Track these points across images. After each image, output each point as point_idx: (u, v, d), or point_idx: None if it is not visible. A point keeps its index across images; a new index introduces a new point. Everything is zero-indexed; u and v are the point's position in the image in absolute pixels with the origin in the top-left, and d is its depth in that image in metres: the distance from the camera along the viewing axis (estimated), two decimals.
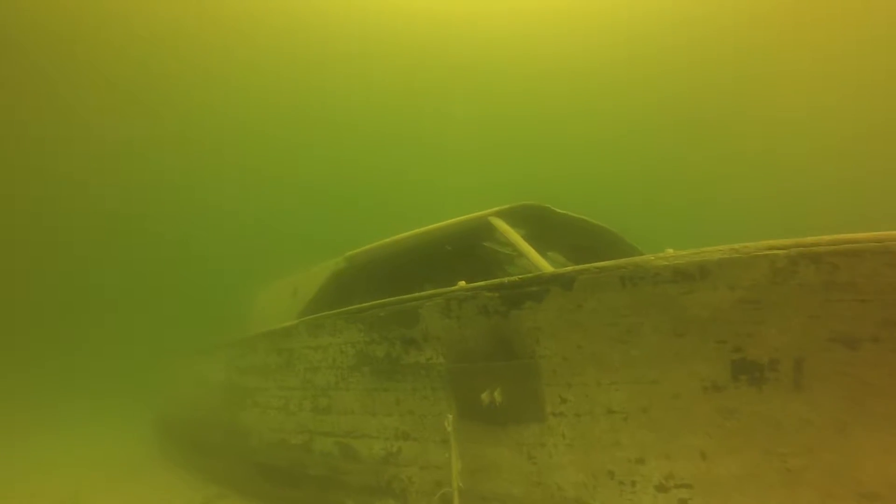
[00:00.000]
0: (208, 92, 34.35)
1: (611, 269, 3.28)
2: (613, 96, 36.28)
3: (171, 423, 9.88)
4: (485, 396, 3.91)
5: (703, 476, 2.98)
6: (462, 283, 4.27)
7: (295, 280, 7.74)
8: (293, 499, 5.79)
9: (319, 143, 37.90)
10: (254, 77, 34.90)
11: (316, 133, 37.85)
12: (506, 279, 3.83)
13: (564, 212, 5.22)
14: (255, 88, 35.34)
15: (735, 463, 2.86)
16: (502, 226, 4.69)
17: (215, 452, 7.65)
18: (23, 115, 28.80)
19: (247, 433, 6.76)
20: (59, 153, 30.91)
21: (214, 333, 9.71)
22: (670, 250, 3.18)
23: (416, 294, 4.43)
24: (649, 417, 3.20)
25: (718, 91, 34.12)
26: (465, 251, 6.92)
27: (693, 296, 3.02)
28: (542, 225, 5.41)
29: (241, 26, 32.46)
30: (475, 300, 3.97)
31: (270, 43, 33.67)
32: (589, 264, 3.42)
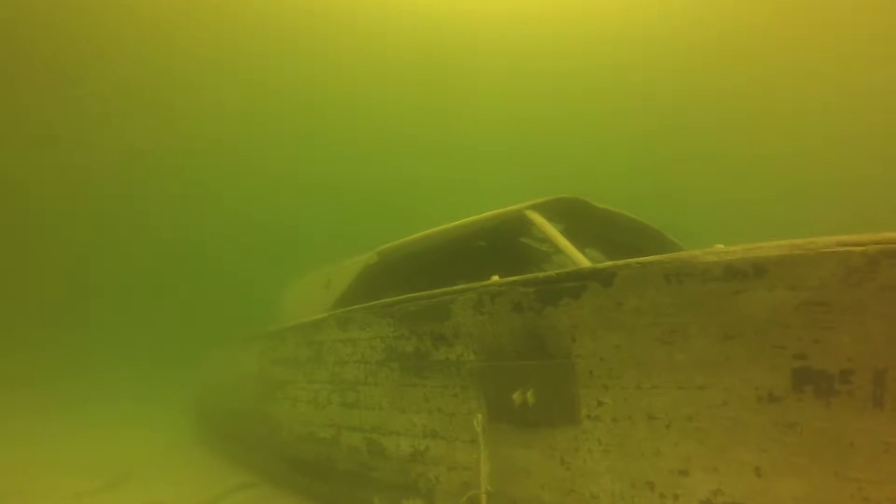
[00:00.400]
0: (235, 94, 34.79)
1: (655, 265, 3.05)
2: (635, 96, 35.25)
3: (209, 410, 10.06)
4: (516, 396, 3.73)
5: (757, 495, 2.72)
6: (495, 278, 4.10)
7: (328, 272, 7.72)
8: (321, 493, 5.75)
9: (344, 142, 38.06)
10: (278, 77, 35.21)
11: (342, 133, 38.05)
12: (541, 274, 3.64)
13: (604, 206, 4.98)
14: (281, 90, 35.66)
15: (798, 484, 2.58)
16: (538, 219, 4.49)
17: (248, 442, 7.73)
18: (48, 117, 29.46)
19: (277, 425, 6.77)
20: (97, 155, 31.71)
21: (250, 324, 9.84)
22: (720, 246, 2.93)
23: (448, 288, 4.29)
24: (695, 426, 2.96)
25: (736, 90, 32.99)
26: (500, 247, 6.74)
27: (747, 295, 2.76)
28: (579, 220, 5.18)
29: (270, 25, 32.75)
30: (509, 295, 3.80)
31: (298, 41, 33.87)
32: (630, 259, 3.20)
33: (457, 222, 5.47)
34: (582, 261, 3.86)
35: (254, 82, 34.50)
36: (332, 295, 7.20)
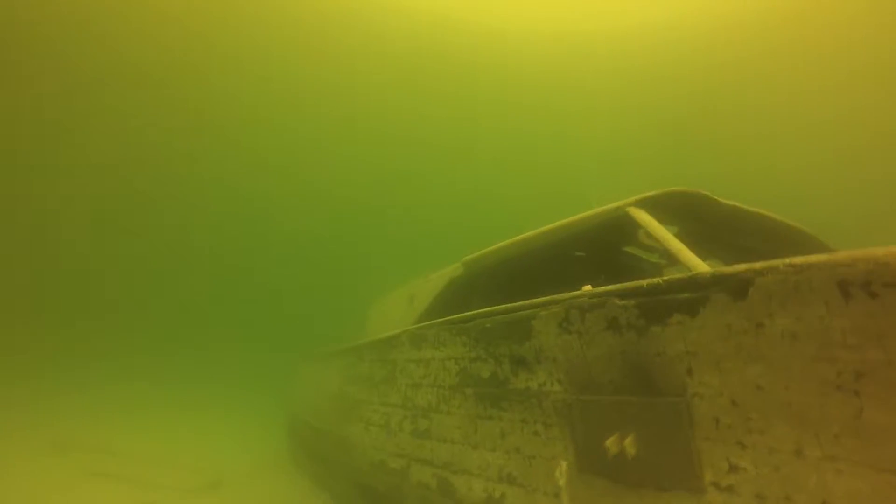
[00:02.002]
0: (306, 119, 35.82)
1: (821, 268, 2.07)
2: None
3: (298, 425, 9.97)
4: (611, 444, 2.85)
5: None
6: (587, 288, 3.26)
7: (412, 287, 7.24)
8: None
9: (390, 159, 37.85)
10: (350, 105, 35.76)
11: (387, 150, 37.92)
12: (644, 282, 2.76)
13: (733, 203, 3.90)
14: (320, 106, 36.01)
15: None
16: (645, 219, 3.58)
17: (329, 464, 7.38)
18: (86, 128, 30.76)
19: (352, 448, 6.30)
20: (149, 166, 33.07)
21: (335, 339, 9.65)
22: None
23: (529, 301, 3.52)
24: None
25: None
26: (602, 259, 5.79)
27: None
28: (700, 221, 4.15)
29: (310, 40, 33.21)
30: (602, 310, 2.95)
31: (340, 58, 34.09)
32: (777, 260, 2.24)
33: (548, 226, 4.68)
34: (699, 265, 2.92)
35: (321, 112, 35.49)
36: (415, 310, 6.70)
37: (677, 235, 4.30)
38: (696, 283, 2.51)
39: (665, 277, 2.66)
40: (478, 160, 38.01)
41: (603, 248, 5.35)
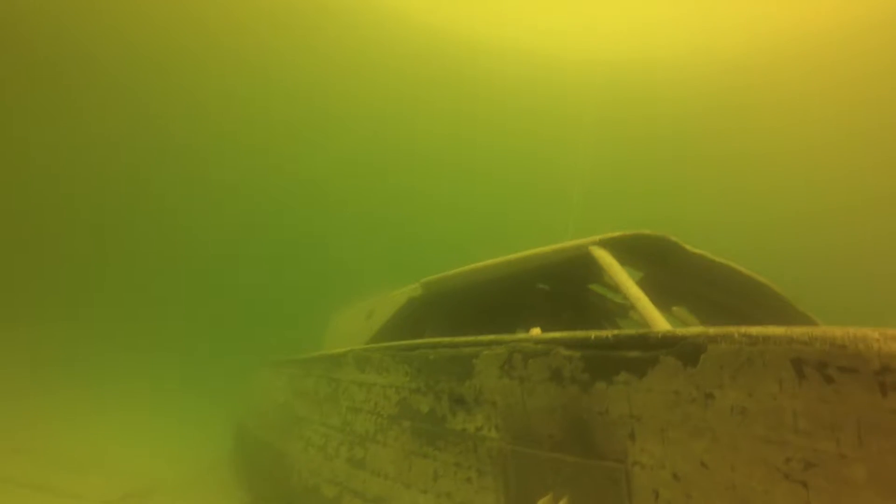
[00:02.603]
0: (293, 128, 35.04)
1: (777, 342, 1.87)
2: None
3: (243, 434, 9.54)
4: (545, 503, 2.61)
5: None
6: (536, 331, 3.04)
7: (372, 302, 6.97)
8: None
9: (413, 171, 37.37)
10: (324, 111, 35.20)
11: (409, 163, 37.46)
12: (593, 334, 2.53)
13: (700, 251, 3.72)
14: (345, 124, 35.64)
15: None
16: (606, 259, 3.37)
17: (265, 479, 7.00)
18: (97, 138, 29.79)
19: (290, 467, 5.96)
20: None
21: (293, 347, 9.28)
22: None
23: (473, 338, 3.28)
24: None
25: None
26: (566, 294, 5.60)
27: None
28: (666, 267, 3.96)
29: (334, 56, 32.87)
30: (547, 358, 2.72)
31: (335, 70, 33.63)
32: (732, 328, 2.04)
33: (509, 256, 4.46)
34: (656, 319, 2.71)
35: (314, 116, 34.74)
36: (371, 327, 6.43)
37: (641, 281, 4.11)
38: (645, 343, 2.30)
39: (615, 332, 2.44)
40: (466, 175, 37.84)
41: (568, 284, 5.15)
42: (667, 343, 2.21)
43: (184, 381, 16.83)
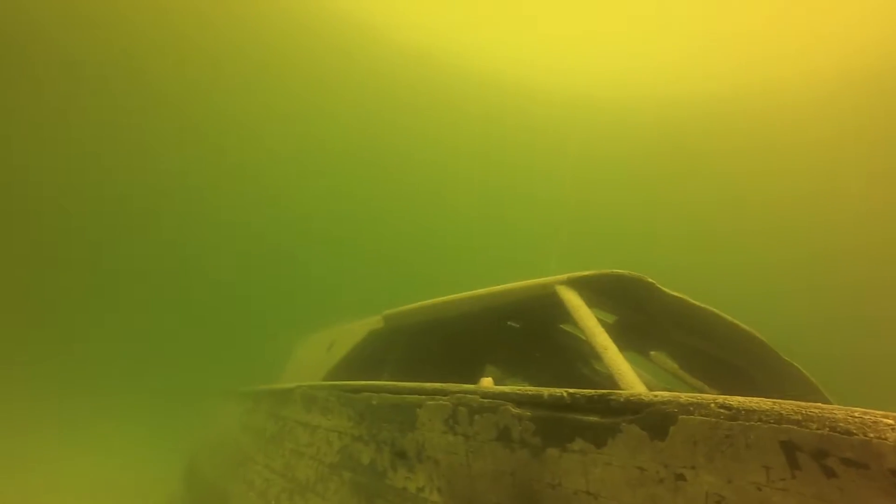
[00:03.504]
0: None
1: (762, 418, 1.51)
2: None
3: (193, 471, 8.88)
4: None
5: None
6: (488, 382, 2.65)
7: (335, 333, 6.53)
8: None
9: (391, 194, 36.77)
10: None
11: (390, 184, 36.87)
12: (546, 391, 2.15)
13: (680, 295, 3.37)
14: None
15: None
16: (573, 301, 3.01)
17: None
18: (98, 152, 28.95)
19: None
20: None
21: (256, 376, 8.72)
22: None
23: (417, 385, 2.88)
24: None
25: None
26: (538, 334, 5.20)
27: None
28: (643, 311, 3.60)
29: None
30: (494, 415, 2.32)
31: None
32: (709, 396, 1.67)
33: (474, 292, 4.08)
34: (623, 374, 2.34)
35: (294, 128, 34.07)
36: (331, 360, 5.98)
37: (615, 325, 3.74)
38: (606, 406, 1.91)
39: (571, 391, 2.06)
40: (450, 205, 37.44)
41: (538, 323, 4.77)
42: (631, 408, 1.83)
43: (138, 415, 15.76)
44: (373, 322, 5.50)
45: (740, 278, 25.71)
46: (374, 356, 5.58)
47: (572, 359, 5.45)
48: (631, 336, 4.02)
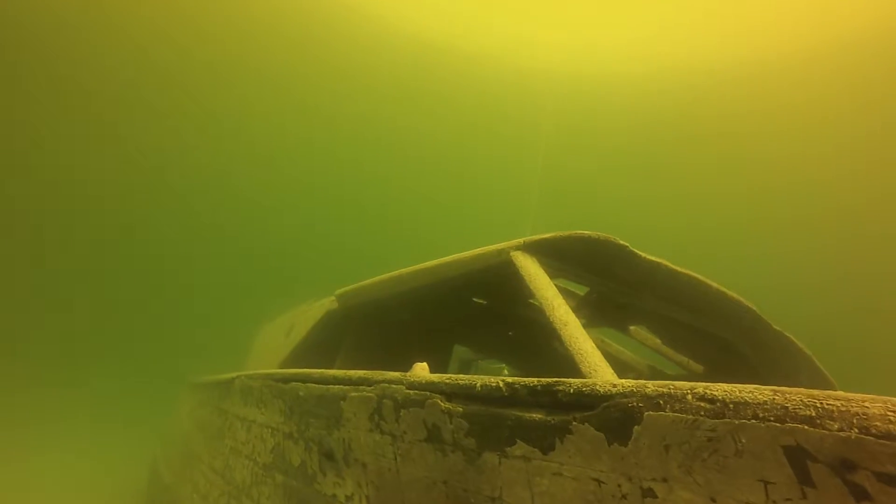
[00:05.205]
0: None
1: (759, 413, 1.04)
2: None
3: (154, 469, 8.38)
4: None
5: None
6: (422, 368, 2.19)
7: (292, 317, 6.05)
8: None
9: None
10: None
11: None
12: (479, 381, 1.68)
13: (658, 260, 2.89)
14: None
15: None
16: (528, 267, 2.53)
17: None
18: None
19: None
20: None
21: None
22: None
23: (342, 372, 2.41)
24: None
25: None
26: (507, 310, 4.75)
27: None
28: (616, 279, 3.13)
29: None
30: (422, 410, 1.85)
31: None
32: (685, 384, 1.20)
33: (426, 264, 3.60)
34: (585, 354, 1.88)
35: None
36: (289, 345, 5.53)
37: (586, 297, 3.28)
38: (553, 399, 1.44)
39: (509, 380, 1.58)
40: (430, 175, 36.77)
41: (504, 299, 4.30)
42: (584, 402, 1.37)
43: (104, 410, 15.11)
44: (327, 303, 5.02)
45: (730, 250, 25.50)
46: (331, 339, 5.12)
47: (549, 337, 5.01)
48: (605, 309, 3.57)
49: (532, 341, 5.15)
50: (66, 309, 24.35)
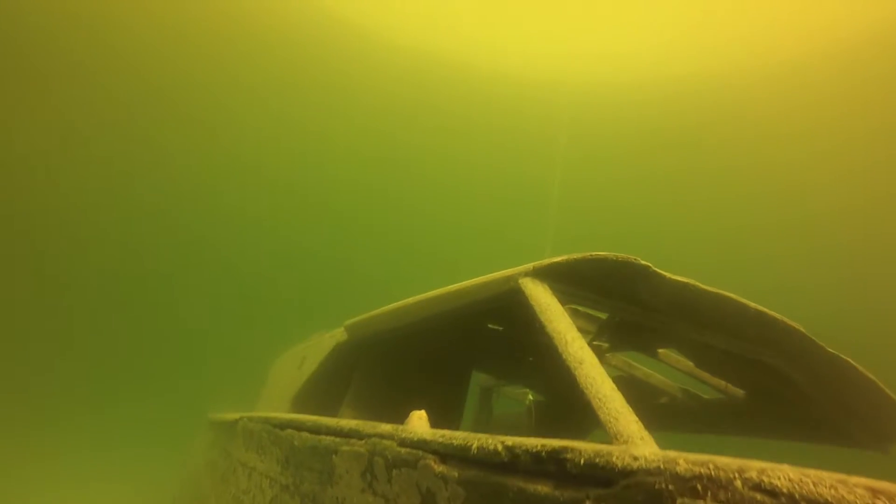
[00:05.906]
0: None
1: None
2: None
3: None
4: None
5: None
6: (418, 417, 1.93)
7: (307, 346, 5.85)
8: None
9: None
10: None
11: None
12: (475, 441, 1.41)
13: (683, 279, 2.57)
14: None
15: None
16: (540, 297, 2.26)
17: None
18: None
19: None
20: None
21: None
22: None
23: (335, 423, 2.15)
24: None
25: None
26: (523, 336, 4.45)
27: None
28: (637, 304, 2.82)
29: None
30: (414, 472, 1.59)
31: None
32: (732, 461, 0.91)
33: (429, 294, 3.35)
34: (605, 400, 1.60)
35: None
36: (301, 377, 5.32)
37: (605, 324, 2.99)
38: (561, 469, 1.17)
39: (509, 442, 1.31)
40: (444, 192, 36.66)
41: (520, 325, 4.02)
42: (597, 477, 1.09)
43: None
44: (338, 333, 4.81)
45: (747, 266, 24.70)
46: (343, 371, 4.89)
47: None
48: (629, 334, 3.27)
49: (554, 367, 4.83)
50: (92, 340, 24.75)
